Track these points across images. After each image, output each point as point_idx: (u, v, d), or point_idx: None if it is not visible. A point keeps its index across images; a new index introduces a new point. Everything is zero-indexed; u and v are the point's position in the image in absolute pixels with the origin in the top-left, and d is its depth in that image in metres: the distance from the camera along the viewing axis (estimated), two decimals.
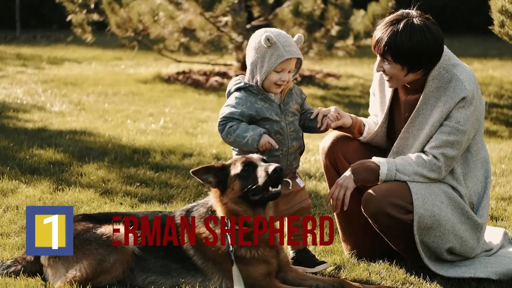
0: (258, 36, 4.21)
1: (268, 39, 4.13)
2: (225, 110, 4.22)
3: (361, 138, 4.49)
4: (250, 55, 4.24)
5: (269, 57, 4.17)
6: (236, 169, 4.02)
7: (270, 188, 3.94)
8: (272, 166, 3.92)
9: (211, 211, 4.10)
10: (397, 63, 4.16)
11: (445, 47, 4.23)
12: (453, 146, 4.14)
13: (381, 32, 4.18)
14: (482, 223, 4.26)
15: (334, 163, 4.52)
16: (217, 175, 4.06)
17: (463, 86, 4.11)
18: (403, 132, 4.30)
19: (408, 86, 4.33)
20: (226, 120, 4.20)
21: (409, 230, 4.15)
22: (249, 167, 4.00)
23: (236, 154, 4.27)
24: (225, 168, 4.07)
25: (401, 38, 4.10)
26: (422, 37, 4.09)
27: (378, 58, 4.25)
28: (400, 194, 4.14)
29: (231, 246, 3.98)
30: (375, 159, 4.25)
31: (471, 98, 4.11)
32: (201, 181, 4.10)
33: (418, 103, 4.23)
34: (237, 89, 4.25)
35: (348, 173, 4.25)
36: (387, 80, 4.29)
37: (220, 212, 4.06)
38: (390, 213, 4.12)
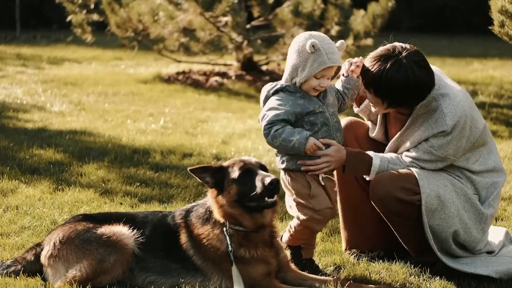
0: (303, 40, 4.21)
1: (313, 46, 4.13)
2: (268, 114, 4.18)
3: (359, 108, 4.58)
4: (292, 57, 4.23)
5: (311, 63, 4.17)
6: (233, 173, 4.03)
7: (266, 198, 3.96)
8: (268, 178, 3.94)
9: (210, 211, 4.11)
10: (377, 97, 4.22)
11: (438, 73, 4.27)
12: (426, 162, 4.25)
13: (368, 64, 4.22)
14: (487, 214, 4.27)
15: (345, 144, 4.57)
16: (214, 176, 4.06)
17: (444, 121, 4.16)
18: (392, 142, 4.39)
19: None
20: (271, 124, 4.16)
21: (416, 215, 4.19)
22: (247, 173, 4.01)
23: (281, 157, 4.25)
24: (223, 170, 4.07)
25: (385, 77, 4.13)
26: (405, 81, 4.11)
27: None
28: (406, 178, 4.20)
29: (230, 247, 3.98)
30: (369, 152, 4.32)
31: (451, 130, 4.16)
32: (199, 180, 4.10)
33: (407, 123, 4.31)
34: (275, 92, 4.24)
35: (341, 156, 4.24)
36: (372, 106, 4.37)
37: (216, 214, 4.06)
38: (398, 196, 4.17)
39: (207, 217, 4.10)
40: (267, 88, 4.29)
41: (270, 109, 4.20)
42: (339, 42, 4.29)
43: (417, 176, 4.20)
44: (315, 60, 4.16)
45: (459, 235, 4.24)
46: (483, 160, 4.33)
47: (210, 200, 4.10)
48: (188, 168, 4.09)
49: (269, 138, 4.16)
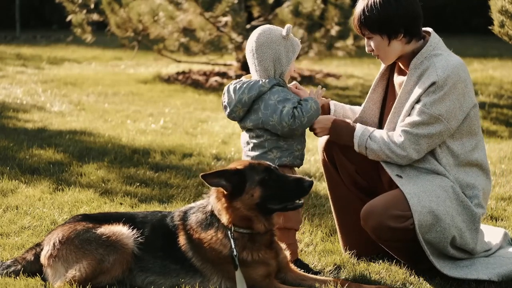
0: (273, 31, 4.28)
1: (288, 29, 4.26)
2: (286, 104, 4.19)
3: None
4: (267, 52, 4.26)
5: (291, 47, 4.29)
6: (257, 175, 3.96)
7: (297, 200, 3.99)
8: (307, 180, 3.95)
9: (211, 216, 4.05)
10: (375, 33, 4.26)
11: (435, 38, 4.27)
12: (418, 126, 4.15)
13: (355, 10, 4.32)
14: (479, 214, 4.23)
15: (331, 158, 4.56)
16: (230, 180, 3.96)
17: (436, 72, 4.13)
18: (389, 118, 4.33)
19: (401, 66, 4.37)
20: (292, 111, 4.20)
21: (410, 238, 4.14)
22: (271, 176, 3.96)
23: (276, 153, 4.26)
24: (240, 173, 3.97)
25: (369, 8, 4.21)
26: (389, 2, 4.19)
27: (365, 38, 4.35)
28: (398, 204, 4.13)
29: (235, 251, 3.95)
30: (357, 124, 4.34)
31: (442, 84, 4.12)
32: (210, 185, 3.99)
33: (401, 90, 4.28)
34: (272, 86, 4.26)
35: (328, 123, 4.33)
36: (379, 58, 4.37)
37: (226, 217, 3.99)
38: (391, 225, 4.11)
39: (209, 222, 4.04)
40: (258, 83, 4.25)
41: (282, 101, 4.21)
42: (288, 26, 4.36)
43: (406, 195, 4.12)
44: (291, 44, 4.31)
45: (456, 240, 4.20)
46: (476, 153, 4.27)
47: (219, 205, 4.02)
48: (200, 175, 3.97)
49: (297, 121, 4.19)
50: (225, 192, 3.98)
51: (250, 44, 4.33)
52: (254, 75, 4.35)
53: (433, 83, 4.12)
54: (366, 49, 4.36)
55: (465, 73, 4.19)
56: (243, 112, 4.30)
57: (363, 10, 4.24)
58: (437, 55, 4.21)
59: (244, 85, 4.28)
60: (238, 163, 4.06)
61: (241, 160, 4.21)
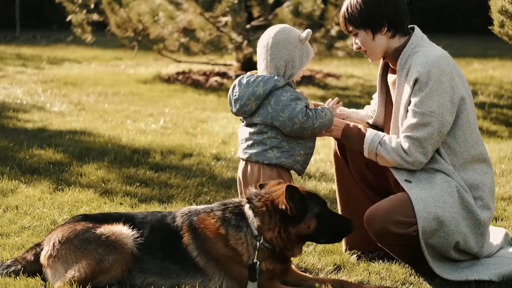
0: (292, 32, 4.29)
1: (309, 34, 4.29)
2: (299, 103, 4.21)
3: None
4: (282, 51, 4.25)
5: (306, 52, 4.31)
6: (316, 207, 3.97)
7: None
8: (353, 223, 4.07)
9: (241, 220, 4.00)
10: (359, 29, 4.30)
11: (417, 36, 4.28)
12: (416, 128, 4.14)
13: (341, 10, 4.38)
14: (485, 218, 4.20)
15: (343, 149, 4.60)
16: (296, 203, 3.92)
17: (416, 69, 4.14)
18: (392, 123, 4.34)
19: (390, 65, 4.39)
20: (306, 110, 4.22)
21: (413, 242, 4.13)
22: (325, 210, 4.00)
23: (277, 152, 4.25)
24: (304, 199, 3.95)
25: (354, 4, 4.28)
26: None
27: (352, 37, 4.40)
28: (402, 210, 4.11)
29: (258, 263, 3.94)
30: (368, 129, 4.35)
31: (425, 80, 4.11)
32: (286, 200, 3.90)
33: (395, 94, 4.30)
34: (284, 85, 4.26)
35: (340, 126, 4.35)
36: (366, 56, 4.40)
37: (269, 234, 3.94)
38: (393, 231, 4.10)
39: (238, 224, 4.01)
40: (270, 80, 4.22)
41: (294, 99, 4.22)
42: (306, 31, 4.36)
43: (412, 200, 4.10)
44: (307, 49, 4.33)
45: (459, 245, 4.19)
46: (480, 147, 4.26)
47: (260, 219, 3.96)
48: (287, 185, 3.92)
49: (309, 121, 4.19)
50: (278, 210, 3.95)
51: (265, 39, 4.31)
52: (261, 71, 4.33)
53: (416, 80, 4.13)
54: (354, 47, 4.40)
55: (449, 65, 4.18)
56: (255, 105, 4.25)
57: (347, 7, 4.31)
58: (417, 52, 4.23)
59: (259, 78, 4.25)
60: (300, 187, 4.01)
61: (295, 183, 4.12)
